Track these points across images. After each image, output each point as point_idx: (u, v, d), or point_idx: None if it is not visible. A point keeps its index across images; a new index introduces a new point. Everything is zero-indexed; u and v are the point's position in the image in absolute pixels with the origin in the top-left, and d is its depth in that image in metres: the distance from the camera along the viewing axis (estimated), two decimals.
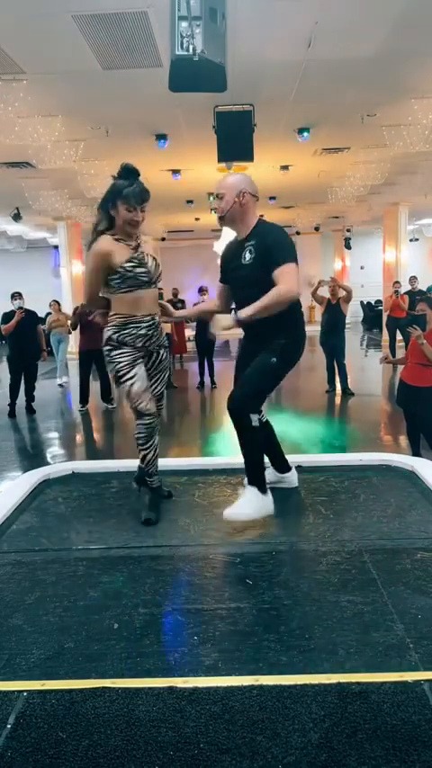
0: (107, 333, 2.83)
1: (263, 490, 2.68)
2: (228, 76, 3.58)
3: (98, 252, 2.74)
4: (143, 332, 2.80)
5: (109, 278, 2.74)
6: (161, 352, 2.95)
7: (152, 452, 2.89)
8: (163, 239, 20.42)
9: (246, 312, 2.61)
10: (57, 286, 16.85)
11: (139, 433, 2.86)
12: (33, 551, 2.56)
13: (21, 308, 8.03)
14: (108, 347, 2.82)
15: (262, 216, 2.83)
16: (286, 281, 2.58)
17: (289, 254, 2.61)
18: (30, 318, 8.20)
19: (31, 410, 8.42)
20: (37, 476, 3.48)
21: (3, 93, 6.24)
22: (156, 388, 2.95)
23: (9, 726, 1.53)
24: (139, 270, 2.74)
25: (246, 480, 2.72)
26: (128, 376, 2.78)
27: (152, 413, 2.83)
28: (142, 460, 2.92)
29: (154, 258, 2.85)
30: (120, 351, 2.79)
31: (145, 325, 2.80)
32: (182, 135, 8.35)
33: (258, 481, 2.69)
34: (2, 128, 7.11)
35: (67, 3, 4.65)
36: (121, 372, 2.78)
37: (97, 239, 2.76)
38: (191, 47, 3.24)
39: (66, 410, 9.37)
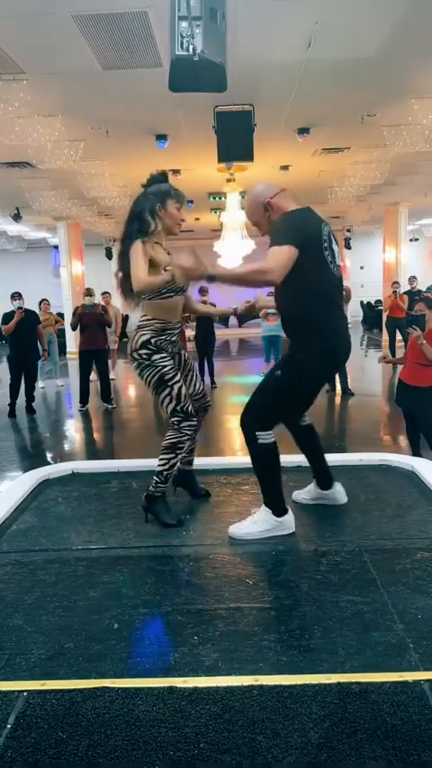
0: (145, 336, 2.76)
1: (277, 511, 2.57)
2: (228, 76, 3.58)
3: (141, 249, 2.67)
4: (174, 338, 2.86)
5: None
6: (182, 353, 2.98)
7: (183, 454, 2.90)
8: None
9: (217, 269, 2.46)
10: (57, 286, 16.85)
11: (183, 435, 2.79)
12: (33, 551, 2.56)
13: (20, 308, 8.03)
14: (146, 351, 2.76)
15: (297, 208, 2.54)
16: (266, 260, 2.37)
17: (279, 239, 2.36)
18: (30, 318, 8.20)
19: (31, 410, 8.42)
20: (37, 476, 3.48)
21: (3, 93, 6.25)
22: (196, 385, 2.98)
23: (9, 726, 1.53)
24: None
25: (262, 498, 2.62)
26: (175, 379, 2.78)
27: (195, 414, 2.85)
28: (172, 467, 2.82)
29: None
30: (161, 355, 2.77)
31: (176, 331, 2.87)
32: (182, 135, 8.35)
33: (270, 502, 2.57)
34: (2, 128, 7.11)
35: (67, 3, 4.65)
36: (168, 376, 2.76)
37: (136, 242, 2.69)
38: (191, 47, 3.24)
39: (66, 410, 9.37)
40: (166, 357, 2.78)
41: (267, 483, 2.59)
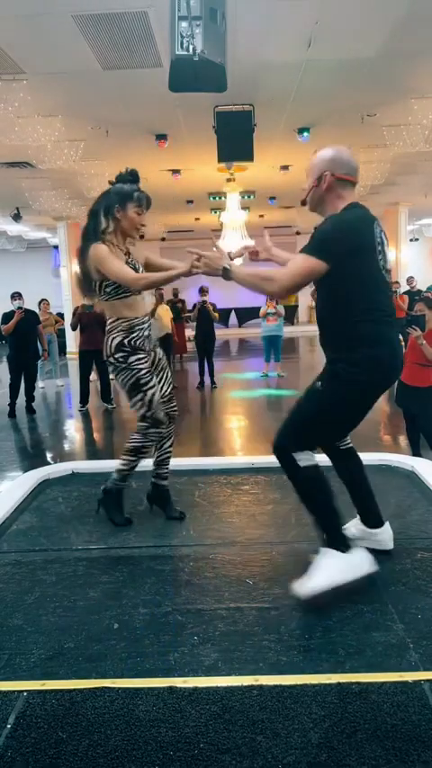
0: (116, 339, 2.70)
1: (342, 548, 2.12)
2: (228, 76, 3.58)
3: (102, 249, 2.62)
4: (147, 333, 2.78)
5: (104, 284, 2.67)
6: (158, 351, 2.90)
7: (145, 458, 2.87)
8: (163, 239, 20.41)
9: (234, 267, 2.26)
10: (57, 286, 16.85)
11: (148, 441, 2.79)
12: (33, 551, 2.56)
13: (20, 308, 8.03)
14: (121, 354, 2.70)
15: (352, 207, 2.21)
16: (282, 270, 2.21)
17: (313, 245, 2.12)
18: (29, 318, 8.20)
19: (31, 410, 8.42)
20: (37, 476, 3.49)
21: (3, 93, 6.25)
22: (164, 388, 2.90)
23: (9, 726, 1.53)
24: None
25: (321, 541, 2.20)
26: (150, 384, 2.73)
27: (165, 420, 2.81)
28: (132, 468, 2.84)
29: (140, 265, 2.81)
30: (137, 357, 2.71)
31: (146, 326, 2.78)
32: (182, 135, 8.35)
33: (331, 538, 2.14)
34: (2, 128, 7.11)
35: (67, 3, 4.65)
36: (144, 380, 2.71)
37: (90, 245, 2.65)
38: (191, 47, 3.25)
39: (65, 410, 9.37)
40: (143, 358, 2.72)
41: (320, 516, 2.18)
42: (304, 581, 2.08)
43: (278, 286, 2.16)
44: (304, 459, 2.14)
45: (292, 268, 2.15)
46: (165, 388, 2.90)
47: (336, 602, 2.05)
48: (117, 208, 2.67)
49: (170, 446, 2.96)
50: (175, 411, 2.96)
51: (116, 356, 2.71)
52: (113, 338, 2.71)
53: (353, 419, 2.25)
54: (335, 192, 2.21)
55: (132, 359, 2.69)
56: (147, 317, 2.81)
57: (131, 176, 2.74)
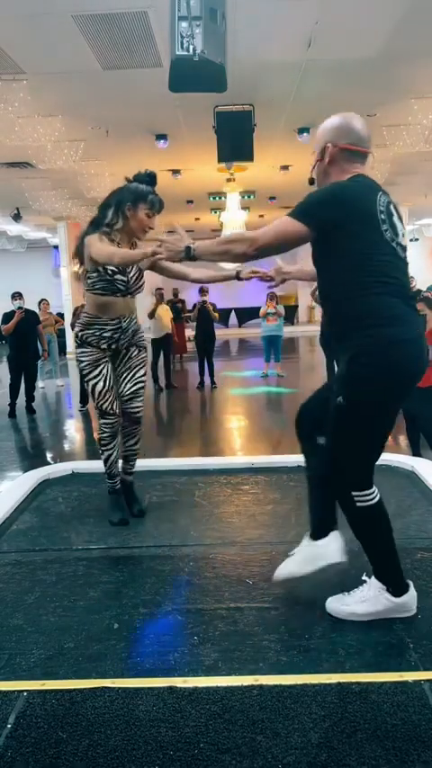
0: (75, 329, 2.88)
1: (393, 589, 1.94)
2: (228, 76, 3.58)
3: (93, 237, 2.63)
4: (108, 334, 2.79)
5: (88, 273, 2.72)
6: (131, 349, 2.89)
7: (115, 452, 2.92)
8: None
9: (197, 244, 2.06)
10: (57, 286, 16.85)
11: (102, 432, 2.88)
12: (33, 551, 2.56)
13: (21, 308, 8.03)
14: (76, 344, 2.86)
15: (358, 175, 1.97)
16: (260, 230, 1.96)
17: (296, 208, 1.90)
18: (30, 318, 8.19)
19: (31, 410, 8.41)
20: (37, 476, 3.49)
21: (3, 93, 6.25)
22: (126, 386, 2.88)
23: (9, 726, 1.53)
24: (118, 277, 2.70)
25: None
26: (90, 375, 2.81)
27: (114, 413, 2.84)
28: (105, 461, 2.92)
29: (140, 271, 2.79)
30: (83, 350, 2.81)
31: (110, 327, 2.78)
32: (182, 135, 8.35)
33: (383, 576, 1.96)
34: (2, 128, 7.11)
35: (67, 3, 4.65)
36: (85, 371, 2.82)
37: (92, 233, 2.66)
38: (191, 47, 3.25)
39: (66, 410, 9.37)
40: (87, 352, 2.80)
41: (377, 552, 1.98)
42: (343, 600, 1.98)
43: (249, 244, 1.92)
44: (362, 498, 1.91)
45: (270, 227, 1.93)
46: (128, 387, 2.89)
47: None
48: (128, 206, 2.68)
49: (134, 444, 3.00)
50: (135, 412, 2.92)
51: (76, 343, 2.89)
52: (76, 326, 2.85)
53: (386, 422, 1.94)
54: (338, 165, 1.98)
55: (79, 351, 2.83)
56: (116, 320, 2.77)
57: (149, 178, 2.76)
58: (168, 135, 8.33)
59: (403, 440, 5.56)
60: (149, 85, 6.27)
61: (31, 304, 8.56)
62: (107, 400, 2.81)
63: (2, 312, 8.27)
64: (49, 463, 5.49)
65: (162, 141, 8.36)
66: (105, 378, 2.80)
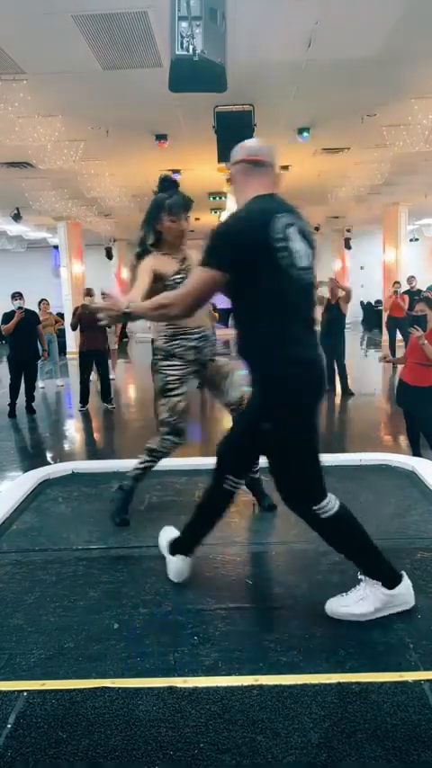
0: (157, 342, 2.79)
1: (387, 583, 1.98)
2: (228, 76, 3.58)
3: (146, 265, 2.66)
4: (192, 343, 2.77)
5: (168, 287, 2.67)
6: (215, 359, 2.88)
7: (155, 466, 2.88)
8: None
9: (132, 306, 2.09)
10: (57, 286, 16.84)
11: (162, 447, 2.81)
12: (33, 551, 2.57)
13: (21, 308, 8.03)
14: (158, 356, 2.79)
15: (256, 198, 1.98)
16: (180, 290, 2.07)
17: (204, 254, 1.94)
18: (30, 318, 8.19)
19: (31, 410, 8.41)
20: (37, 476, 3.48)
21: (3, 93, 6.24)
22: (231, 393, 2.84)
23: (9, 726, 1.53)
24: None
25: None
26: (176, 391, 2.75)
27: (185, 436, 2.80)
28: (143, 468, 2.87)
29: None
30: (169, 362, 2.75)
31: (195, 337, 2.77)
32: (182, 135, 8.35)
33: (372, 571, 2.00)
34: (2, 128, 7.10)
35: (67, 3, 4.65)
36: (171, 386, 2.75)
37: (143, 256, 2.71)
38: (191, 47, 3.24)
39: (66, 410, 9.37)
40: (175, 366, 2.75)
41: (357, 552, 2.02)
42: (343, 601, 1.99)
43: (179, 309, 1.99)
44: (322, 509, 1.96)
45: (188, 285, 2.02)
46: (232, 393, 2.85)
47: None
48: (156, 220, 2.71)
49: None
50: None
51: (154, 357, 2.81)
52: (156, 340, 2.79)
53: (312, 432, 2.00)
54: (240, 180, 2.05)
55: (165, 363, 2.76)
56: (199, 329, 2.79)
57: (165, 183, 2.77)
58: (168, 135, 8.33)
59: (403, 440, 5.56)
60: (149, 85, 6.26)
61: (31, 304, 8.56)
62: (184, 420, 2.77)
63: (2, 312, 8.28)
64: (49, 463, 5.49)
65: (162, 141, 8.35)
66: (186, 397, 2.78)
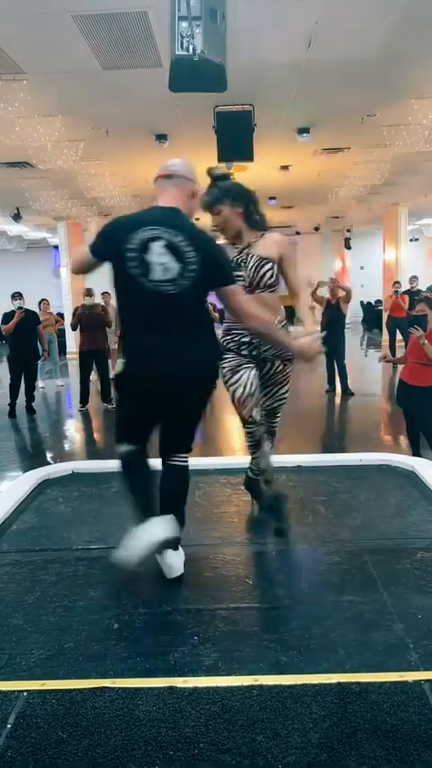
0: (219, 337, 2.75)
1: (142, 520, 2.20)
2: (228, 76, 3.58)
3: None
4: (246, 339, 2.74)
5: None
6: (276, 363, 2.80)
7: (264, 460, 2.75)
8: None
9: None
10: (57, 286, 16.84)
11: (246, 441, 2.84)
12: (33, 551, 2.56)
13: (21, 308, 8.03)
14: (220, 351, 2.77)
15: (147, 209, 2.31)
16: None
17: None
18: (30, 318, 8.20)
19: (31, 410, 8.42)
20: (37, 476, 3.48)
21: (3, 93, 6.24)
22: (266, 402, 2.83)
23: (9, 726, 1.53)
24: (236, 273, 2.59)
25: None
26: (231, 381, 2.74)
27: (253, 420, 2.72)
28: (257, 467, 2.84)
29: (266, 262, 2.72)
30: (225, 356, 2.76)
31: (249, 333, 2.70)
32: (182, 135, 8.35)
33: (139, 511, 2.26)
34: (2, 128, 7.10)
35: (67, 3, 4.65)
36: (225, 378, 2.75)
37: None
38: (191, 47, 3.24)
39: (66, 410, 9.37)
40: (227, 358, 2.75)
41: (134, 496, 2.31)
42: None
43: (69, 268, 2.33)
44: (120, 450, 2.33)
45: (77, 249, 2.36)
46: (267, 403, 2.85)
47: (336, 603, 2.05)
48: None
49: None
50: (271, 427, 2.92)
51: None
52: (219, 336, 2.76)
53: (125, 419, 2.38)
54: (156, 194, 2.34)
55: (222, 357, 2.75)
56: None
57: (212, 178, 2.82)
58: (168, 135, 8.33)
59: (403, 440, 5.56)
60: (149, 85, 6.26)
61: (31, 304, 8.56)
62: (245, 407, 2.71)
63: (2, 312, 8.28)
64: (49, 463, 5.50)
65: (162, 141, 8.35)
66: (245, 384, 2.70)
